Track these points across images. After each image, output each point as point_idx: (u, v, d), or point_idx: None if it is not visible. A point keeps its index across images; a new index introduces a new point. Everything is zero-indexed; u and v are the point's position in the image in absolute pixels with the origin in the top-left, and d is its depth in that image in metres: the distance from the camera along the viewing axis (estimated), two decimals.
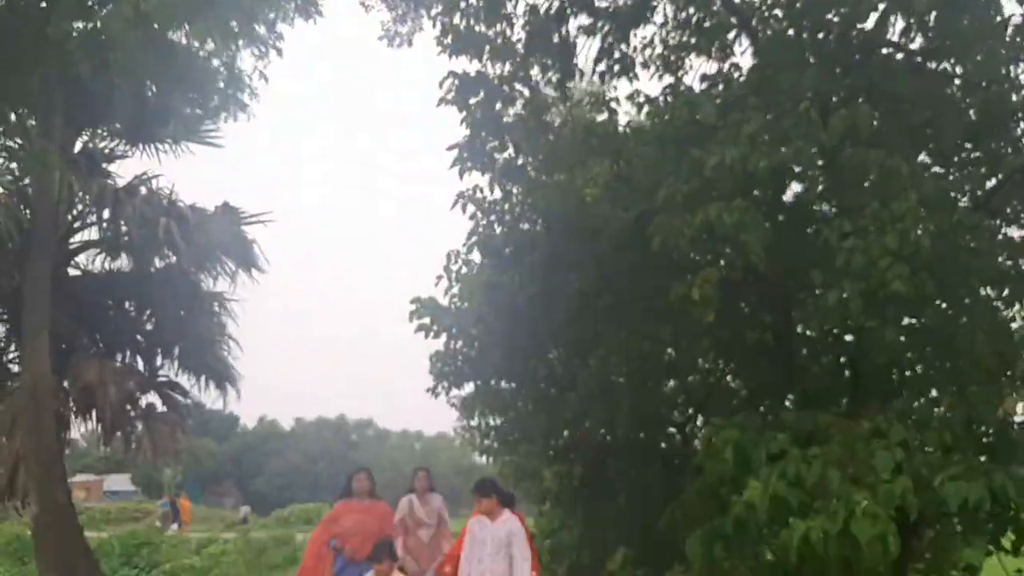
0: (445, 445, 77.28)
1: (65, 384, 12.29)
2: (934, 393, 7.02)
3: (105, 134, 13.52)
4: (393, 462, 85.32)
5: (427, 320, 12.58)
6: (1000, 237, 7.79)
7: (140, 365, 13.69)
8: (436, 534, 8.84)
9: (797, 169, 6.89)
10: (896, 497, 5.56)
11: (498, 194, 9.66)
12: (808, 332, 8.20)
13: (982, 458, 6.28)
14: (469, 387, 15.24)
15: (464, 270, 12.57)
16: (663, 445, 12.06)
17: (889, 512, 5.50)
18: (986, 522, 5.91)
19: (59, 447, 11.80)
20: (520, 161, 9.43)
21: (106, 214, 12.55)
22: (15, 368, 12.96)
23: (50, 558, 10.90)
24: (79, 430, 12.96)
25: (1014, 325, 6.62)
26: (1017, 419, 6.44)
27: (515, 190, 9.52)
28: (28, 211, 11.97)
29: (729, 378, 10.55)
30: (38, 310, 11.32)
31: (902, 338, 6.71)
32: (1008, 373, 5.98)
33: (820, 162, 6.98)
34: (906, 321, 7.40)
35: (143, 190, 12.40)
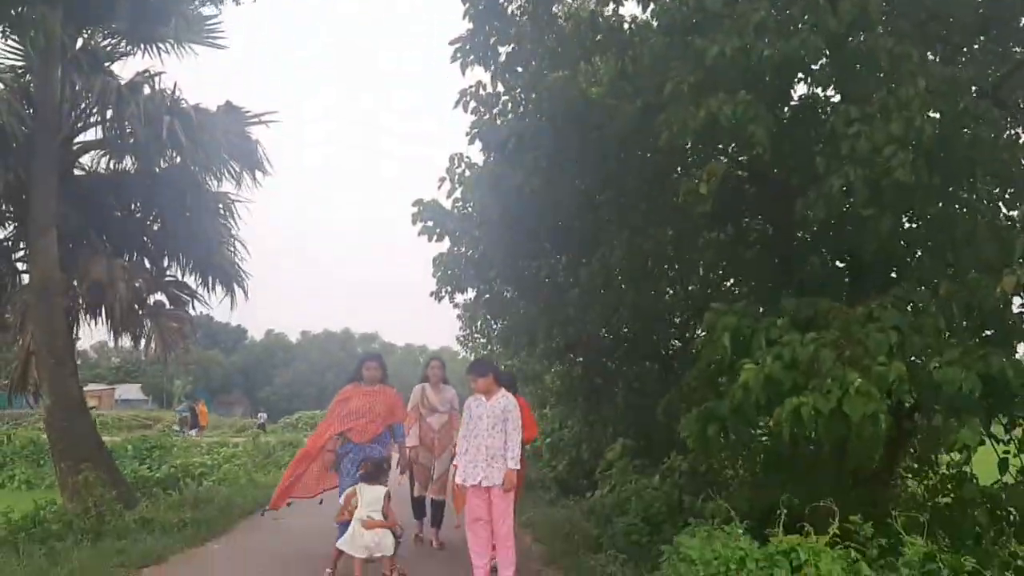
0: (448, 357, 78.13)
1: (74, 283, 12.34)
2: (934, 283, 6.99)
3: (106, 32, 13.30)
4: (398, 374, 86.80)
5: (430, 223, 12.61)
6: (1007, 134, 7.72)
7: (147, 265, 13.75)
8: (448, 422, 8.86)
9: (804, 58, 6.73)
10: (889, 381, 5.59)
11: (500, 88, 9.46)
12: (808, 229, 8.19)
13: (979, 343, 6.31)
14: (471, 293, 15.41)
15: (467, 173, 12.53)
16: (662, 345, 12.20)
17: (882, 393, 5.54)
18: (981, 406, 5.93)
19: (70, 342, 11.91)
20: (523, 55, 9.26)
21: (109, 113, 12.40)
22: (22, 266, 13.01)
23: (64, 449, 11.11)
24: (89, 327, 12.95)
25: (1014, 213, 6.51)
26: (1016, 305, 6.45)
27: (518, 84, 9.34)
28: (31, 109, 11.84)
29: (731, 281, 10.58)
30: (46, 208, 11.33)
31: (903, 226, 6.65)
32: (1007, 265, 5.93)
33: (827, 52, 6.83)
34: (908, 215, 7.41)
35: (146, 88, 12.20)
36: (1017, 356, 6.55)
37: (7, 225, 13.02)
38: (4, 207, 12.67)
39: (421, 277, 15.63)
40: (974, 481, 7.08)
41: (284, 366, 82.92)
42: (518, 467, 6.87)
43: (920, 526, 5.53)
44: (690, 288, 10.80)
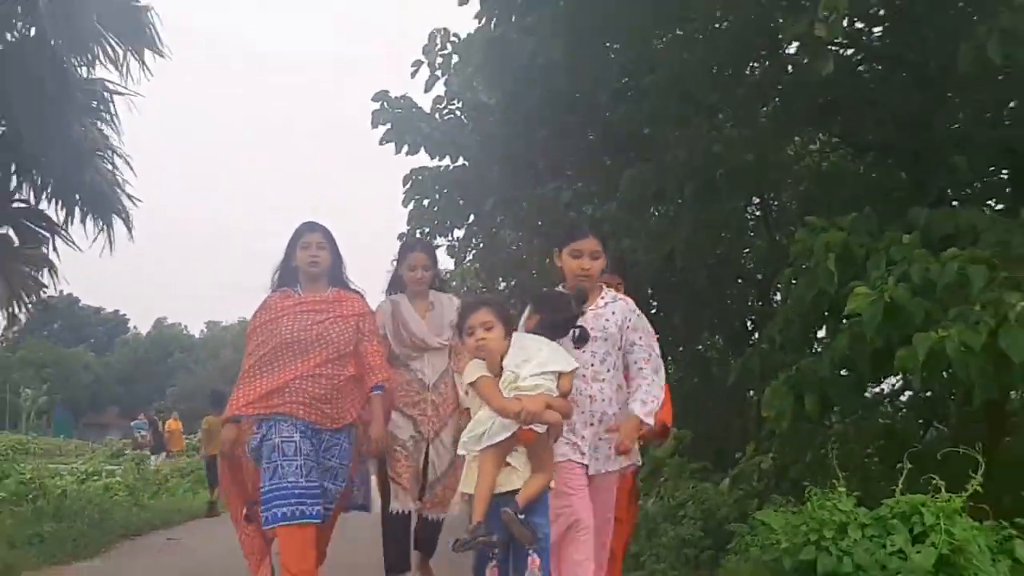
0: None
1: None
2: None
3: None
4: None
5: (399, 128, 12.64)
6: None
7: None
8: (449, 369, 6.71)
9: None
10: None
11: None
12: (949, 124, 8.30)
13: None
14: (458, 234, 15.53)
15: (455, 58, 12.56)
16: (734, 305, 12.34)
17: None
18: None
19: None
20: None
21: None
22: None
23: None
24: None
25: None
26: None
27: None
28: None
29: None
30: None
31: None
32: None
33: None
34: None
35: None
36: None
37: None
38: None
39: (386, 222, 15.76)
40: None
41: (183, 371, 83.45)
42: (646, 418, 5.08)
43: None
44: (775, 215, 10.88)
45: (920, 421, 8.59)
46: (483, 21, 10.67)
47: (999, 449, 7.26)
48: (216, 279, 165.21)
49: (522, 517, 4.26)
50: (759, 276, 11.94)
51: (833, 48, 6.81)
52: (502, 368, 4.47)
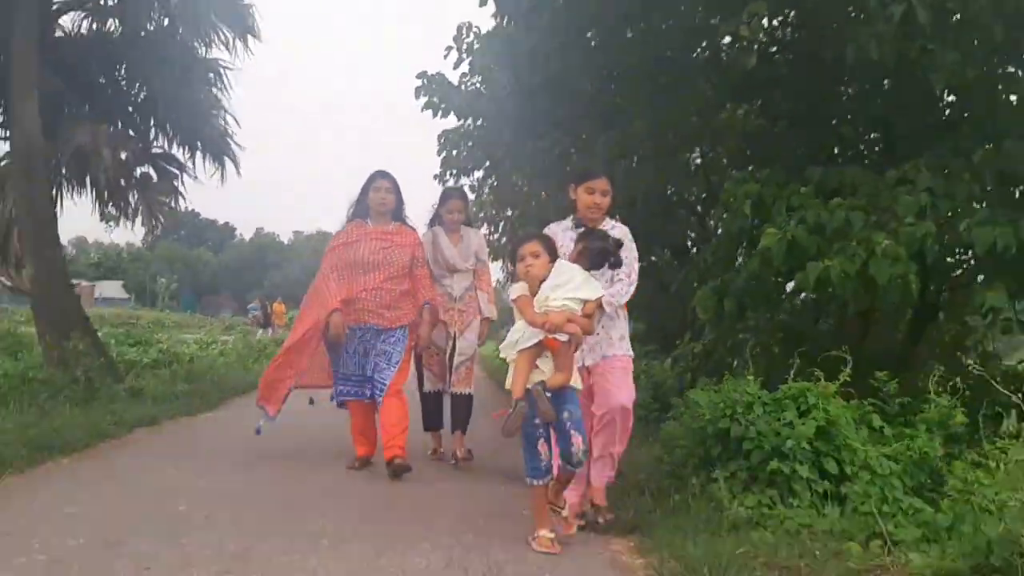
0: None
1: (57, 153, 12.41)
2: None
3: None
4: None
5: (435, 98, 12.62)
6: None
7: (132, 136, 13.78)
8: (473, 285, 6.84)
9: None
10: (918, 240, 5.71)
11: None
12: (839, 98, 8.23)
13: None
14: (479, 175, 15.49)
15: (476, 45, 12.49)
16: (679, 232, 12.34)
17: (910, 253, 5.67)
18: (1008, 275, 6.07)
19: (52, 211, 12.03)
20: None
21: None
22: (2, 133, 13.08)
23: (49, 320, 11.35)
24: (73, 201, 13.09)
25: None
26: None
27: None
28: None
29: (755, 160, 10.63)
30: (26, 70, 11.30)
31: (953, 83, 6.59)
32: None
33: None
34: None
35: None
36: None
37: None
38: None
39: (423, 170, 15.73)
40: (998, 359, 7.30)
41: (275, 267, 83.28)
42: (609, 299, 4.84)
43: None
44: (711, 165, 10.84)
45: (813, 319, 8.64)
46: (498, 20, 10.60)
47: (865, 344, 7.35)
48: (301, 201, 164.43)
49: (548, 395, 4.11)
50: (699, 208, 11.94)
51: (755, 43, 6.71)
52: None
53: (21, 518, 4.38)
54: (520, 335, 4.22)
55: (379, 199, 6.14)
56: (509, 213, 16.03)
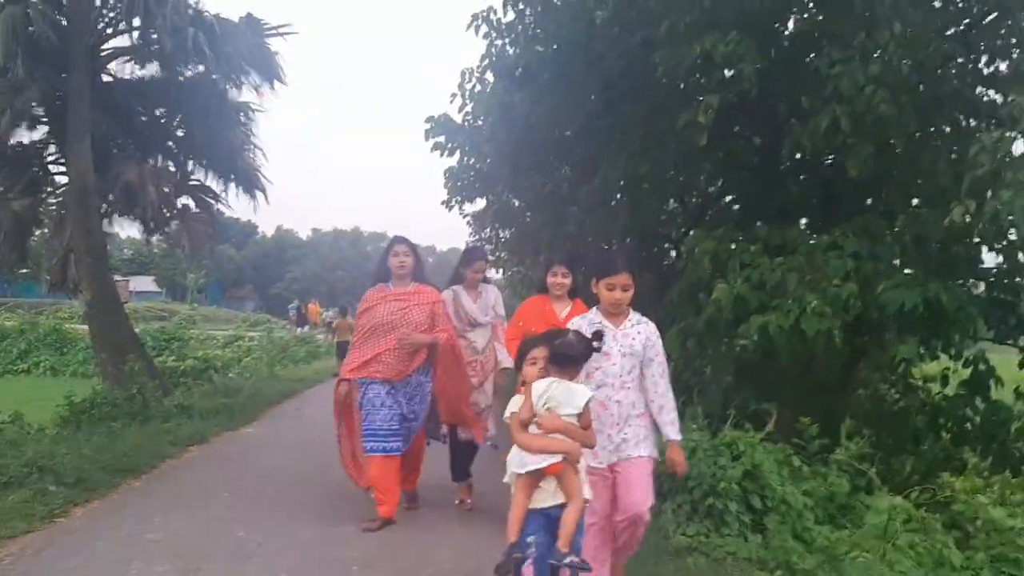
0: (456, 259, 79.33)
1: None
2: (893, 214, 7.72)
3: None
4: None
5: (441, 138, 13.30)
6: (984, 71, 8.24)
7: (172, 169, 14.50)
8: (492, 337, 6.71)
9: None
10: (842, 300, 6.43)
11: (511, 16, 10.00)
12: (792, 155, 8.90)
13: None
14: (480, 203, 16.21)
15: (478, 88, 13.11)
16: (659, 258, 13.00)
17: (836, 311, 6.38)
18: (921, 326, 6.77)
19: (104, 241, 12.76)
20: None
21: (136, 22, 12.96)
22: (54, 169, 13.80)
23: (103, 339, 12.06)
24: (120, 227, 13.88)
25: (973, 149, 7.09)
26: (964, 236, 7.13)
27: (528, 11, 9.86)
28: (64, 19, 12.39)
29: (725, 199, 11.31)
30: (80, 114, 11.99)
31: (876, 158, 7.24)
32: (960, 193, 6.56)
33: None
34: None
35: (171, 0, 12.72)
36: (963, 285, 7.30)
37: (38, 128, 13.73)
38: (37, 111, 13.34)
39: (428, 179, 16.39)
40: (917, 392, 8.00)
41: (295, 262, 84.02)
42: (680, 438, 4.39)
43: (875, 432, 6.43)
44: (685, 203, 11.50)
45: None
46: (493, 79, 11.30)
47: (807, 373, 8.05)
48: (319, 202, 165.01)
49: (570, 560, 3.55)
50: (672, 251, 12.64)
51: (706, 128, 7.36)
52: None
53: (116, 546, 4.98)
54: (515, 458, 3.76)
55: (398, 263, 6.03)
56: (507, 232, 16.73)
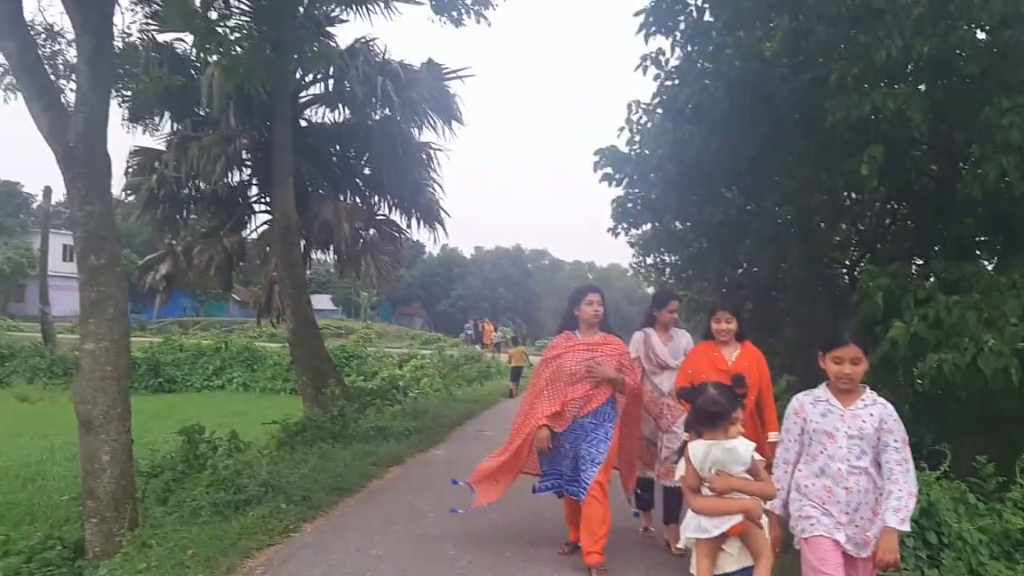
0: (617, 275, 79.63)
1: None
2: None
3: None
4: (567, 290, 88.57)
5: (609, 169, 13.83)
6: None
7: (360, 204, 15.78)
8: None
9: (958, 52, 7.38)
10: (1020, 337, 6.48)
11: (679, 57, 10.41)
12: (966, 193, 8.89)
13: None
14: (646, 228, 16.59)
15: (644, 119, 13.55)
16: (831, 285, 13.00)
17: (1013, 348, 6.44)
18: None
19: (305, 274, 14.06)
20: (702, 26, 10.16)
21: (331, 71, 14.25)
22: (257, 207, 15.31)
23: (304, 363, 13.28)
24: (317, 261, 15.23)
25: None
26: None
27: (695, 53, 10.24)
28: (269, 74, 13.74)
29: (896, 225, 11.28)
30: (284, 160, 13.30)
31: None
32: None
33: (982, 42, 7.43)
34: None
35: (362, 52, 13.91)
36: None
37: (243, 171, 15.26)
38: (245, 156, 14.85)
39: (587, 199, 16.92)
40: None
41: (459, 280, 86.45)
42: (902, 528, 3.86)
43: None
44: (858, 229, 11.53)
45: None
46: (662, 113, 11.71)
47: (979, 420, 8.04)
48: (481, 221, 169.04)
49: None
50: (845, 277, 12.63)
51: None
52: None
53: (348, 560, 5.63)
54: (691, 523, 3.69)
55: (592, 312, 5.96)
56: (673, 257, 17.05)
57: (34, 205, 58.72)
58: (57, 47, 10.39)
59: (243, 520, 6.26)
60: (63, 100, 7.52)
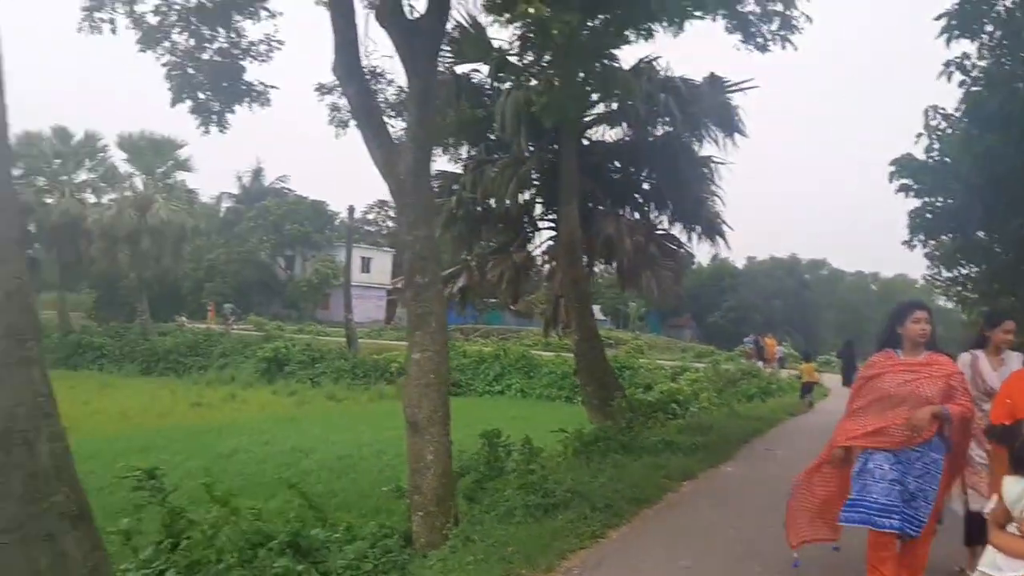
0: (904, 287, 74.24)
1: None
2: None
3: (603, 21, 15.53)
4: (848, 303, 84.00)
5: (909, 180, 13.25)
6: None
7: (638, 219, 16.13)
8: None
9: None
10: None
11: (986, 62, 9.84)
12: None
13: None
14: (943, 239, 15.64)
15: (945, 126, 12.83)
16: None
17: None
18: None
19: (589, 289, 14.62)
20: (1015, 20, 9.53)
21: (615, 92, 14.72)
22: (540, 224, 16.13)
23: (588, 372, 13.83)
24: (600, 275, 15.75)
25: None
26: None
27: (1005, 59, 9.64)
28: None
29: None
30: (570, 180, 13.95)
31: None
32: None
33: None
34: None
35: (646, 71, 14.26)
36: None
37: (530, 190, 16.10)
38: (533, 176, 15.68)
39: (867, 205, 16.12)
40: None
41: (731, 291, 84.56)
42: None
43: None
44: None
45: None
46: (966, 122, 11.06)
47: None
48: (754, 231, 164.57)
49: None
50: None
51: None
52: None
53: (658, 568, 5.86)
54: (988, 558, 3.54)
55: (919, 330, 5.29)
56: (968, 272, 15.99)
57: (336, 221, 64.64)
58: (378, 85, 11.58)
59: (553, 523, 6.70)
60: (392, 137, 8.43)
